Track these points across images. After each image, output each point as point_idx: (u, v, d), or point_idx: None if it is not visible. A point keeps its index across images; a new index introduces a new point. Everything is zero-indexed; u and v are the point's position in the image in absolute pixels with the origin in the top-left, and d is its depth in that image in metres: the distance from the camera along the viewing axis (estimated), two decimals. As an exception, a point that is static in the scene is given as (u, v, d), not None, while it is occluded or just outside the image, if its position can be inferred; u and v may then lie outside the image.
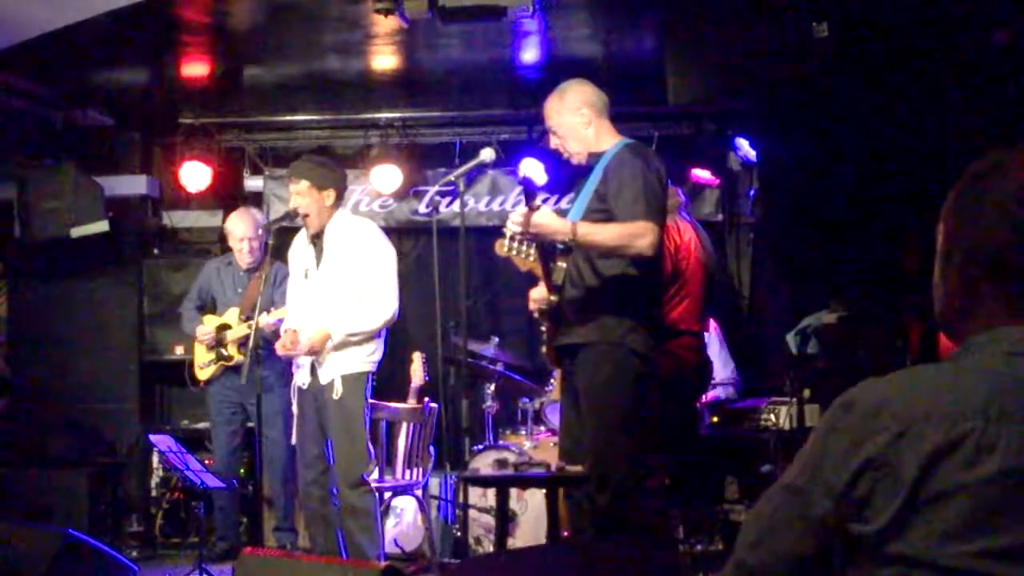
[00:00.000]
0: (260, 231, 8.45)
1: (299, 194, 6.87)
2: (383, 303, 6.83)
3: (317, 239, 6.96)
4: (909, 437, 1.79)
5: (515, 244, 5.68)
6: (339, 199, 7.00)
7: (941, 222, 2.04)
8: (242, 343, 8.44)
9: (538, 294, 5.79)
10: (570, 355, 5.70)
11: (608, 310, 5.56)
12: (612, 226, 5.44)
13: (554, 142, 5.87)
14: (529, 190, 5.38)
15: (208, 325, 8.72)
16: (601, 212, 5.57)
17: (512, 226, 5.46)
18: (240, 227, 8.67)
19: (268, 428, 8.44)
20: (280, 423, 8.41)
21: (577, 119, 5.75)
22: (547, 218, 5.40)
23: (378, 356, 6.95)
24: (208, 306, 8.89)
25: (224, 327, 8.63)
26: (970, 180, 1.99)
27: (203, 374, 8.79)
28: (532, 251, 5.64)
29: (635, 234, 5.39)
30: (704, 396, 7.90)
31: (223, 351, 8.60)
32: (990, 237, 1.93)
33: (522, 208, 5.42)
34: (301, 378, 6.91)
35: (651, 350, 5.63)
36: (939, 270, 2.03)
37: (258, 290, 8.11)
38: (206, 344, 8.69)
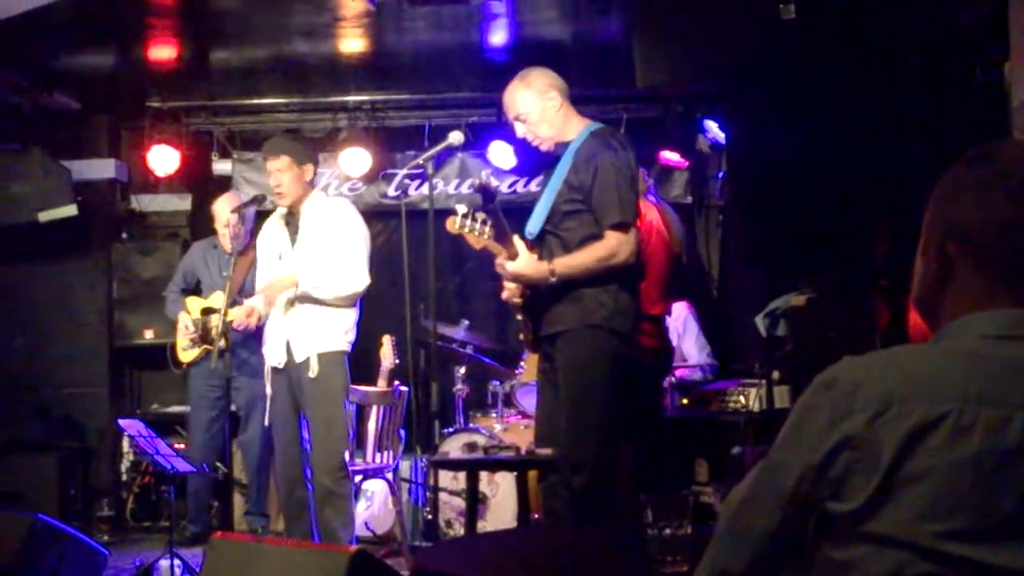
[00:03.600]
0: (233, 213, 8.42)
1: (279, 171, 6.82)
2: (353, 275, 6.81)
3: (291, 219, 6.94)
4: (888, 417, 1.80)
5: (467, 221, 5.61)
6: (314, 176, 6.99)
7: (927, 208, 2.05)
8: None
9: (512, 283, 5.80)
10: (550, 340, 5.71)
11: (587, 295, 5.57)
12: (587, 254, 5.53)
13: (521, 130, 5.82)
14: (486, 196, 5.39)
15: (192, 308, 8.67)
16: (574, 203, 5.60)
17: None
18: (225, 209, 8.62)
19: (250, 412, 8.44)
20: (259, 407, 8.41)
21: (547, 103, 5.73)
22: (525, 266, 5.50)
23: (352, 336, 6.92)
24: (192, 289, 8.84)
25: (209, 310, 8.56)
26: (957, 166, 2.01)
27: (186, 356, 8.73)
28: (487, 228, 5.59)
29: (612, 253, 5.51)
30: (669, 378, 7.91)
31: (209, 335, 8.54)
32: (967, 217, 1.95)
33: (500, 260, 5.51)
34: (275, 358, 6.88)
35: (631, 331, 5.67)
36: (920, 253, 2.05)
37: (244, 274, 8.10)
38: (190, 338, 8.64)
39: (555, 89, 5.75)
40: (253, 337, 7.79)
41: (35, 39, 8.10)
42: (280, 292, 6.71)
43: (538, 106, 5.73)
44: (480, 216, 5.58)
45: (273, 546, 5.02)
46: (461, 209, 5.60)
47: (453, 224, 5.63)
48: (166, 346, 9.05)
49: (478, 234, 5.58)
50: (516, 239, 5.56)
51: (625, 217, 5.55)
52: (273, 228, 7.08)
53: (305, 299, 6.77)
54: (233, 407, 8.38)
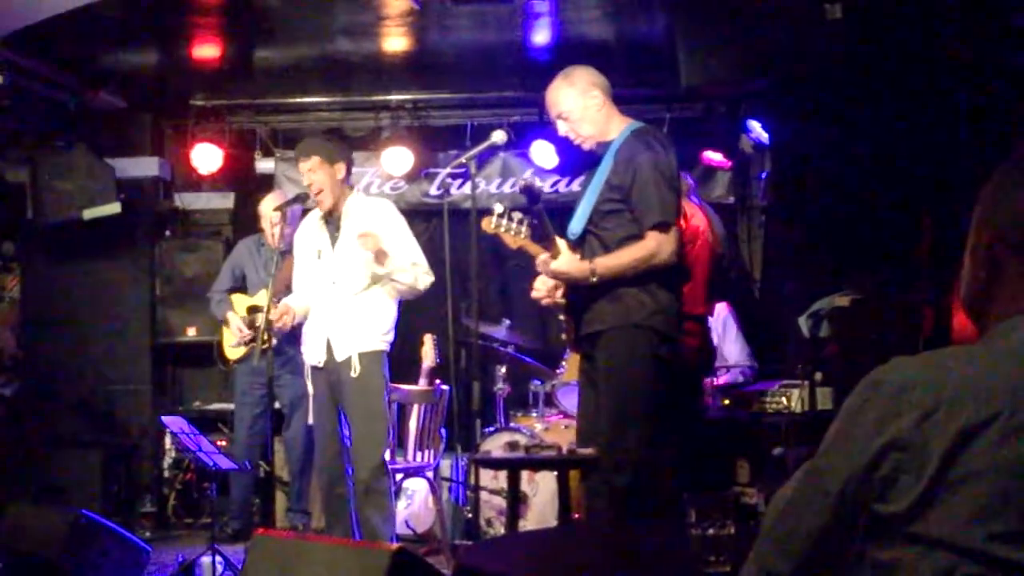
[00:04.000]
0: (276, 211, 8.41)
1: (311, 171, 6.85)
2: (424, 271, 6.86)
3: (331, 218, 6.95)
4: (936, 419, 1.79)
5: (503, 221, 5.61)
6: (348, 175, 6.99)
7: (975, 208, 2.03)
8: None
9: (542, 284, 5.79)
10: (591, 340, 5.70)
11: (628, 294, 5.56)
12: (628, 254, 5.52)
13: (563, 128, 5.80)
14: (531, 197, 5.37)
15: (239, 307, 8.70)
16: (616, 203, 5.59)
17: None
18: (270, 208, 8.65)
19: (294, 409, 8.47)
20: (305, 405, 8.45)
21: (589, 101, 5.72)
22: (567, 265, 5.52)
23: (391, 336, 6.94)
24: (240, 287, 8.87)
25: (255, 308, 8.59)
26: (1005, 166, 2.00)
27: (233, 354, 8.78)
28: (523, 228, 5.59)
29: (653, 253, 5.50)
30: (712, 380, 7.89)
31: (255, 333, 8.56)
32: (1017, 219, 1.93)
33: (541, 258, 5.51)
34: (314, 356, 6.89)
35: (673, 329, 5.66)
36: (968, 254, 2.03)
37: (289, 272, 8.11)
38: (243, 340, 8.67)
39: (598, 88, 5.74)
40: (299, 337, 7.81)
41: (81, 37, 8.15)
42: (374, 245, 6.67)
43: (580, 104, 5.72)
44: (516, 216, 5.58)
45: (315, 543, 5.03)
46: (497, 209, 5.60)
47: (489, 224, 5.63)
48: (211, 344, 9.10)
49: (514, 233, 5.58)
50: (558, 239, 5.56)
51: (666, 217, 5.53)
52: (312, 227, 7.08)
53: (345, 298, 6.78)
54: (277, 404, 8.40)
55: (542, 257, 5.53)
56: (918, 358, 1.90)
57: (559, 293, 5.76)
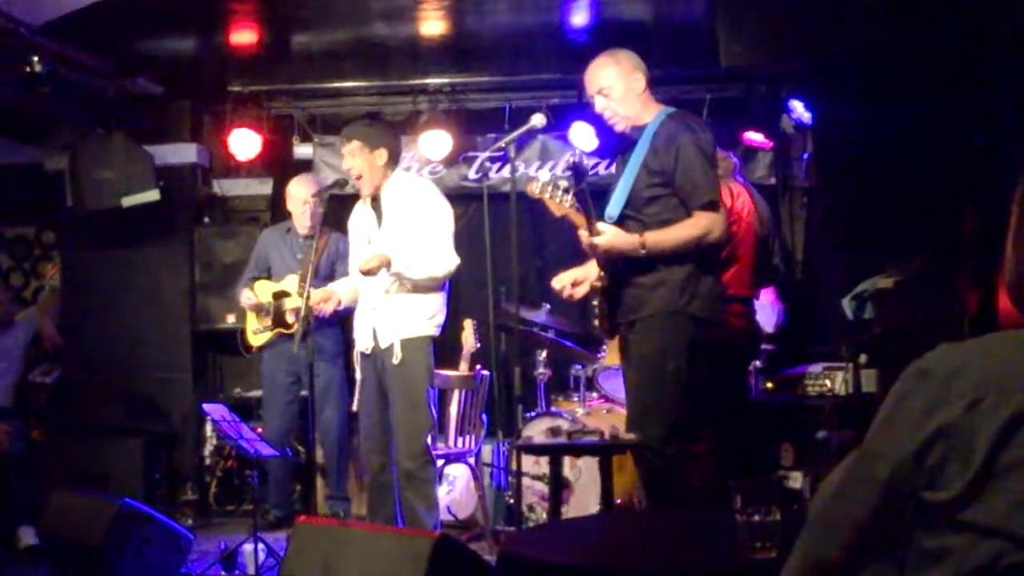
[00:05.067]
0: (315, 197, 8.39)
1: (351, 154, 6.86)
2: (443, 255, 6.79)
3: (376, 202, 6.93)
4: (984, 406, 1.77)
5: (549, 188, 5.64)
6: (392, 159, 6.93)
7: (1017, 195, 1.99)
8: (299, 311, 8.46)
9: (583, 273, 5.78)
10: (630, 326, 5.71)
11: (669, 281, 5.58)
12: (680, 230, 5.54)
13: (601, 104, 5.83)
14: (578, 176, 5.36)
15: (264, 292, 8.70)
16: (655, 187, 5.61)
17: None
18: (302, 189, 8.64)
19: (326, 397, 8.47)
20: (335, 391, 8.44)
21: (633, 83, 5.78)
22: (615, 238, 5.51)
23: (440, 319, 6.91)
24: (264, 275, 8.87)
25: (282, 294, 8.58)
26: None
27: (256, 340, 8.77)
28: (569, 197, 5.62)
29: (706, 232, 5.53)
30: (754, 362, 7.85)
31: (283, 318, 8.56)
32: None
33: (584, 234, 5.50)
34: (362, 343, 6.90)
35: (713, 314, 5.66)
36: (1011, 239, 1.99)
37: (319, 257, 8.12)
38: (256, 311, 8.67)
39: (640, 72, 5.81)
40: (327, 323, 7.80)
41: (118, 25, 8.15)
42: (376, 269, 6.66)
43: (623, 84, 5.77)
44: (562, 183, 5.67)
45: (357, 530, 5.03)
46: (544, 176, 5.65)
47: (534, 189, 5.70)
48: (235, 331, 9.11)
49: (559, 201, 5.62)
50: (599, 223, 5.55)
51: (714, 196, 5.59)
52: (361, 212, 7.08)
53: (391, 284, 6.76)
54: (305, 392, 8.41)
55: (584, 234, 5.52)
56: (964, 345, 1.88)
57: (591, 280, 5.75)
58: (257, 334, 8.75)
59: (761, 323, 7.85)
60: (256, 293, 8.71)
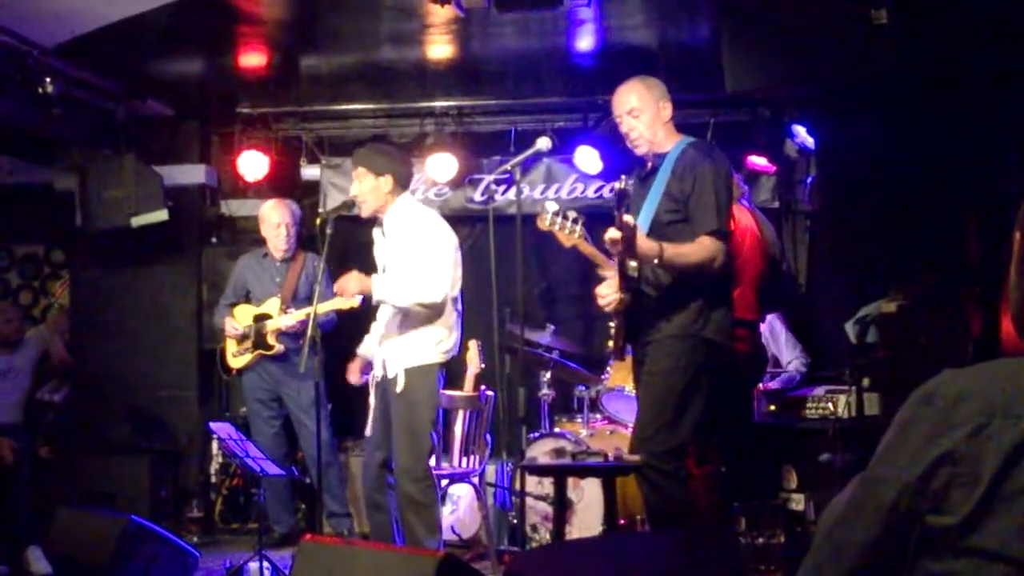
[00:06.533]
0: (296, 219, 8.54)
1: (357, 178, 6.86)
2: (428, 284, 6.59)
3: (381, 227, 6.95)
4: (989, 432, 1.78)
5: (559, 219, 5.67)
6: (400, 185, 6.82)
7: (1019, 221, 2.01)
8: (282, 333, 8.54)
9: (605, 290, 5.80)
10: (645, 347, 5.82)
11: (686, 304, 5.72)
12: (694, 250, 5.63)
13: (628, 125, 5.94)
14: (620, 200, 5.38)
15: (244, 316, 8.80)
16: (675, 213, 5.74)
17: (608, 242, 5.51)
18: (276, 213, 8.82)
19: (306, 416, 8.57)
20: (313, 412, 8.48)
21: (662, 110, 5.94)
22: (641, 234, 5.53)
23: (447, 345, 6.78)
24: (242, 300, 8.98)
25: (263, 316, 8.70)
26: None
27: (237, 362, 8.91)
28: (578, 228, 5.66)
29: (712, 257, 5.64)
30: (761, 385, 7.89)
31: (264, 340, 8.67)
32: None
33: (613, 230, 5.45)
34: (376, 371, 6.90)
35: (725, 338, 5.79)
36: (1015, 269, 2.01)
37: (296, 280, 8.23)
38: (236, 337, 8.80)
39: (668, 100, 5.98)
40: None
41: (129, 46, 8.21)
42: (353, 291, 6.67)
43: (653, 109, 5.93)
44: (571, 215, 5.66)
45: (362, 549, 5.07)
46: (552, 207, 5.67)
47: (543, 221, 5.71)
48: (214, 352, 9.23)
49: (568, 232, 5.65)
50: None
51: (721, 225, 5.69)
52: (377, 238, 7.04)
53: (395, 314, 6.76)
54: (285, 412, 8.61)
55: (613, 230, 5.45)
56: (969, 370, 1.88)
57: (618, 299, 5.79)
58: (236, 356, 8.85)
59: (767, 345, 7.90)
60: (236, 317, 8.85)
